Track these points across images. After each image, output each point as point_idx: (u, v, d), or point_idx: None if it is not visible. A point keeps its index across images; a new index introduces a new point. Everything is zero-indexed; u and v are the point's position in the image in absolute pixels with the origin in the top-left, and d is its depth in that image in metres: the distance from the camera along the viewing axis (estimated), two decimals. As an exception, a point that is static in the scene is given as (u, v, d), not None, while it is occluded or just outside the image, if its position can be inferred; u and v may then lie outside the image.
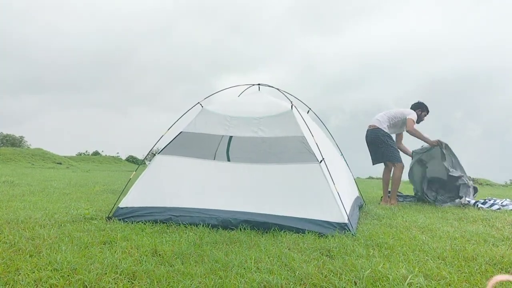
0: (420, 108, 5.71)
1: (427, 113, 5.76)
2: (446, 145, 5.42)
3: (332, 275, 2.07)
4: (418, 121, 5.64)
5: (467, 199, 5.27)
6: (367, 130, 5.58)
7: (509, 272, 2.18)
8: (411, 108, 5.72)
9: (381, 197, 5.83)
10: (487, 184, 12.99)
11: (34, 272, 2.03)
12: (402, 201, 5.79)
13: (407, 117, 5.41)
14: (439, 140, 5.38)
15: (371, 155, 5.61)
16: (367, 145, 5.61)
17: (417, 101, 5.78)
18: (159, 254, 2.41)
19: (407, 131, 5.46)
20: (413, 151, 5.81)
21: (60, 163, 25.56)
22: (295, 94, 4.36)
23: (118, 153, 40.13)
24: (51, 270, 2.07)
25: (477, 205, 5.15)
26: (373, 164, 5.61)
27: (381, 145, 5.42)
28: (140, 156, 39.04)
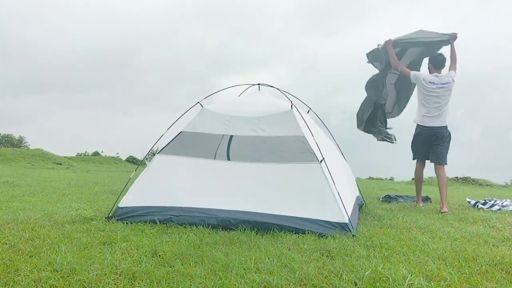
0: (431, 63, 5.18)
1: (432, 66, 5.19)
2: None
3: (332, 276, 2.07)
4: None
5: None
6: (434, 127, 4.93)
7: (509, 273, 2.18)
8: (439, 63, 5.06)
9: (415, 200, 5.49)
10: (487, 185, 12.98)
11: (33, 273, 2.03)
12: (402, 202, 5.78)
13: (451, 76, 4.94)
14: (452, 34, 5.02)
15: (420, 149, 5.11)
16: (424, 139, 5.01)
17: (436, 55, 5.13)
18: (159, 255, 2.41)
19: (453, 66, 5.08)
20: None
21: (60, 164, 25.54)
22: (296, 94, 4.36)
23: (118, 153, 40.09)
24: (50, 270, 2.07)
25: (477, 206, 5.15)
26: (414, 159, 5.23)
27: (442, 144, 4.96)
28: (140, 156, 39.03)
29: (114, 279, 1.98)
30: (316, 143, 3.52)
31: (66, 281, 1.94)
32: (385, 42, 5.23)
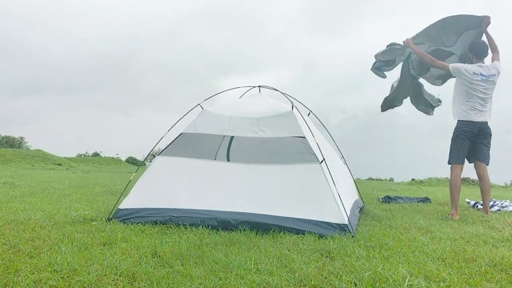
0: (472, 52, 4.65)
1: (473, 55, 4.64)
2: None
3: (332, 276, 2.07)
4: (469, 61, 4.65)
5: None
6: (480, 122, 4.42)
7: (508, 274, 2.19)
8: (481, 52, 4.55)
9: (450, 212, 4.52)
10: (487, 186, 12.99)
11: (34, 273, 2.03)
12: (402, 203, 5.79)
13: (497, 67, 4.50)
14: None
15: (463, 149, 4.48)
16: (469, 136, 4.44)
17: (477, 43, 4.60)
18: (159, 255, 2.41)
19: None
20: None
21: (60, 164, 25.60)
22: (297, 95, 4.37)
23: (117, 154, 40.20)
24: (51, 271, 2.07)
25: (477, 207, 5.16)
26: (450, 163, 4.57)
27: (487, 142, 4.51)
28: (140, 157, 39.10)
29: (114, 280, 1.99)
30: (317, 143, 3.52)
31: (66, 282, 1.94)
32: (403, 42, 4.86)
